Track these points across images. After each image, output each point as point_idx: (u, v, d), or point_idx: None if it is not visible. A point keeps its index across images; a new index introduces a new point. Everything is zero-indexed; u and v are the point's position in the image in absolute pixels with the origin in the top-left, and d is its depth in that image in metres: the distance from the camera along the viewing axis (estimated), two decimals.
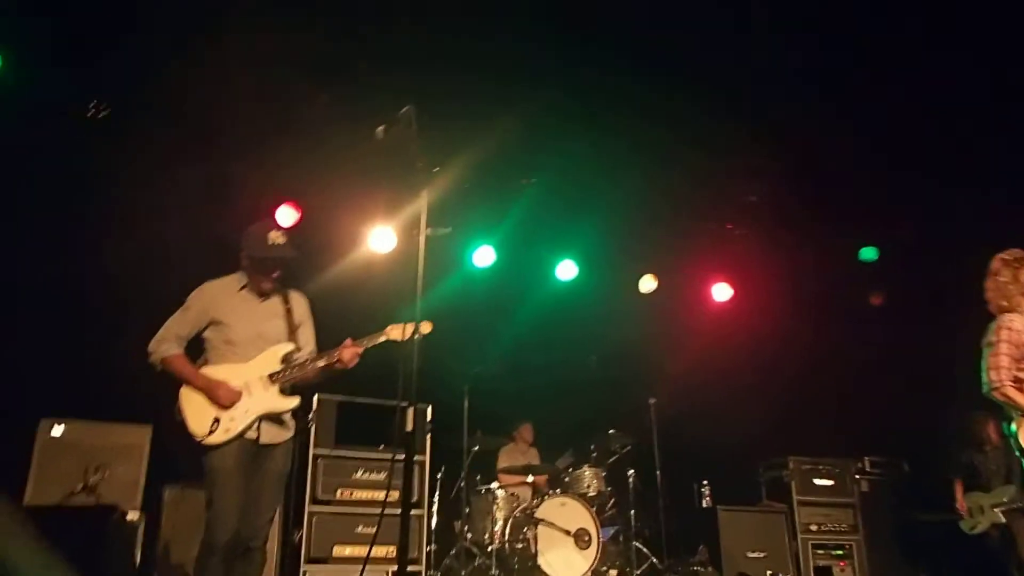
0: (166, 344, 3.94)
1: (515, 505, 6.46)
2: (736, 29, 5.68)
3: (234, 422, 3.80)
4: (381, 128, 3.27)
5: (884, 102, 6.18)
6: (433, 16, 5.28)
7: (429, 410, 6.59)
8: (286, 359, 4.01)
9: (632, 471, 6.87)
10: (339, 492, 6.19)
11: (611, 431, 7.05)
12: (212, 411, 3.80)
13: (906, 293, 7.98)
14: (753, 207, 7.96)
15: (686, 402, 7.30)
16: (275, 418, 3.97)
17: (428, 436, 6.55)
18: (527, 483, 7.04)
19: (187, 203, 6.30)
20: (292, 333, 4.10)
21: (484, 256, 7.83)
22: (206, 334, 4.01)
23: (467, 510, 6.49)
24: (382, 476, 6.23)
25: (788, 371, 7.99)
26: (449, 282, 7.17)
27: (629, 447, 7.03)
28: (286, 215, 6.88)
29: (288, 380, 3.97)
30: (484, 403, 6.79)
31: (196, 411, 3.81)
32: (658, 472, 6.73)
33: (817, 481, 7.71)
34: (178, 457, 5.40)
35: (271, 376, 3.93)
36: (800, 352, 8.02)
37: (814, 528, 7.54)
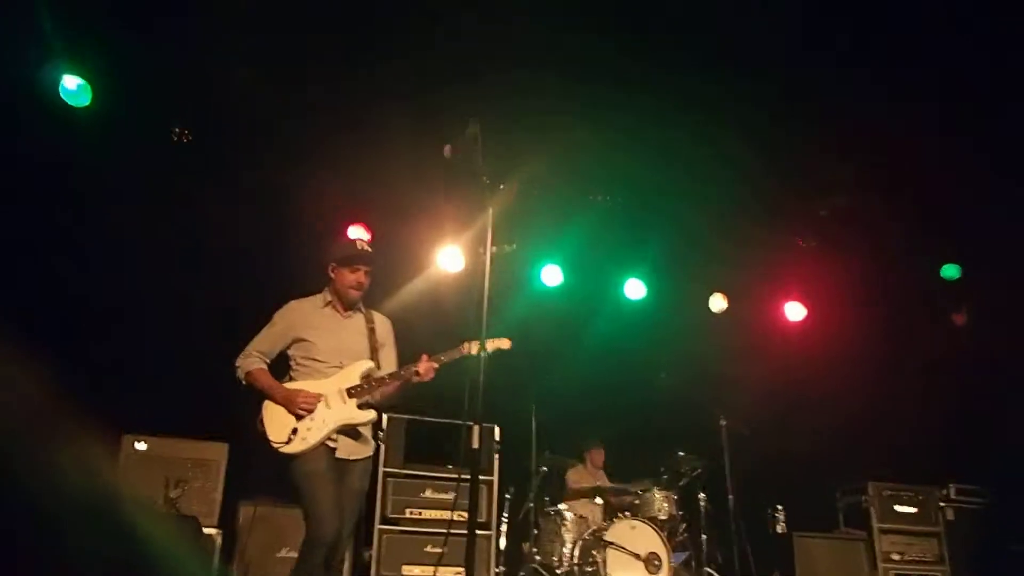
0: (251, 359, 4.10)
1: (584, 527, 6.39)
2: (812, 39, 5.57)
3: (311, 432, 3.90)
4: (448, 146, 3.32)
5: (963, 111, 5.98)
6: (499, 33, 5.33)
7: (497, 430, 6.60)
8: (365, 376, 4.10)
9: (703, 494, 6.71)
10: (408, 511, 6.22)
11: (681, 453, 6.91)
12: (291, 422, 3.92)
13: (993, 310, 7.65)
14: (825, 223, 7.77)
15: (759, 424, 7.12)
16: (353, 433, 4.06)
17: (496, 456, 6.55)
18: (596, 505, 6.96)
19: (262, 224, 6.49)
20: (374, 352, 4.22)
21: (552, 275, 7.82)
22: (290, 351, 4.16)
23: (535, 531, 6.45)
24: (451, 495, 6.24)
25: (866, 392, 7.72)
26: (518, 301, 7.18)
27: (700, 469, 6.88)
28: (356, 235, 7.00)
29: (365, 395, 4.06)
30: (552, 423, 6.75)
31: (276, 422, 3.94)
32: (730, 496, 6.54)
33: (899, 508, 7.40)
34: (255, 475, 5.55)
35: (349, 390, 4.03)
36: (879, 373, 7.75)
37: (896, 557, 7.23)
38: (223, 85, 5.65)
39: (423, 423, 6.44)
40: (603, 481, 7.33)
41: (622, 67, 5.72)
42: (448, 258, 7.31)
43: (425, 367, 4.09)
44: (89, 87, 5.78)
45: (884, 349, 7.84)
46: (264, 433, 3.92)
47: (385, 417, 6.22)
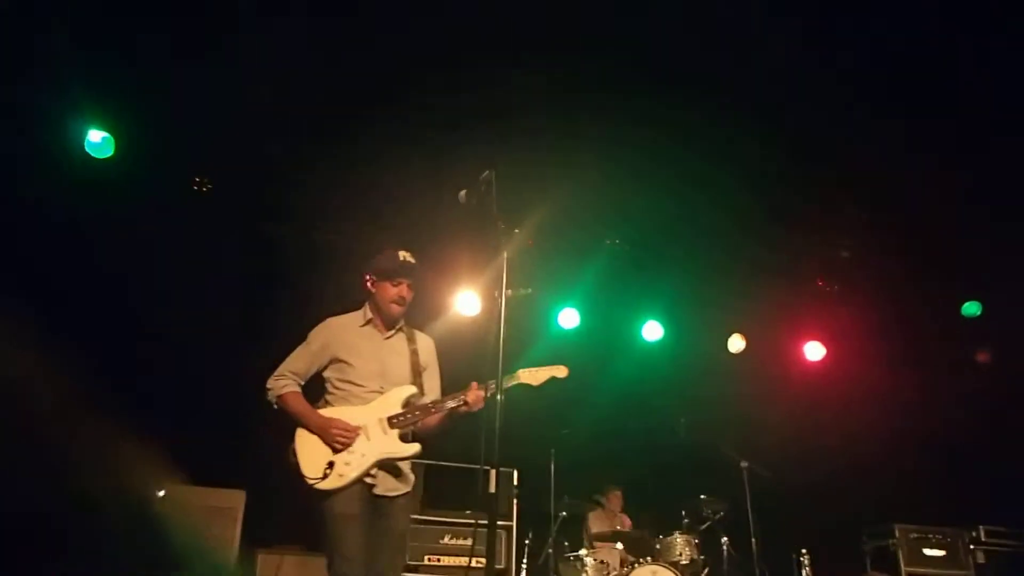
0: (283, 380, 3.74)
1: (605, 573, 6.30)
2: (827, 83, 5.63)
3: (349, 467, 3.53)
4: (463, 192, 3.32)
5: (982, 149, 5.99)
6: (511, 80, 5.41)
7: (515, 474, 6.55)
8: (407, 403, 3.73)
9: (726, 538, 6.61)
10: (427, 558, 6.16)
11: (702, 496, 6.83)
12: (326, 454, 3.56)
13: (1016, 348, 7.55)
14: (845, 262, 7.75)
15: (781, 466, 7.03)
16: (393, 468, 3.67)
17: (515, 501, 6.49)
18: (616, 550, 6.86)
19: (276, 272, 6.57)
20: (416, 376, 3.86)
21: (569, 318, 7.84)
22: (326, 373, 3.80)
23: None
24: (470, 541, 6.18)
25: (890, 433, 7.62)
26: (535, 345, 7.17)
27: (722, 513, 6.79)
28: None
29: (408, 425, 3.68)
30: (571, 467, 6.71)
31: (310, 453, 3.57)
32: (753, 540, 6.44)
33: (927, 551, 7.24)
34: (273, 522, 5.53)
35: (390, 420, 3.65)
36: (902, 412, 7.65)
37: None
38: (241, 136, 5.78)
39: (440, 467, 6.40)
40: (623, 525, 7.24)
41: (636, 111, 5.78)
42: (465, 303, 7.34)
43: (475, 396, 3.68)
44: (112, 140, 5.94)
45: (906, 388, 7.75)
46: (296, 465, 3.56)
47: None
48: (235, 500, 5.84)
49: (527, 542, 6.56)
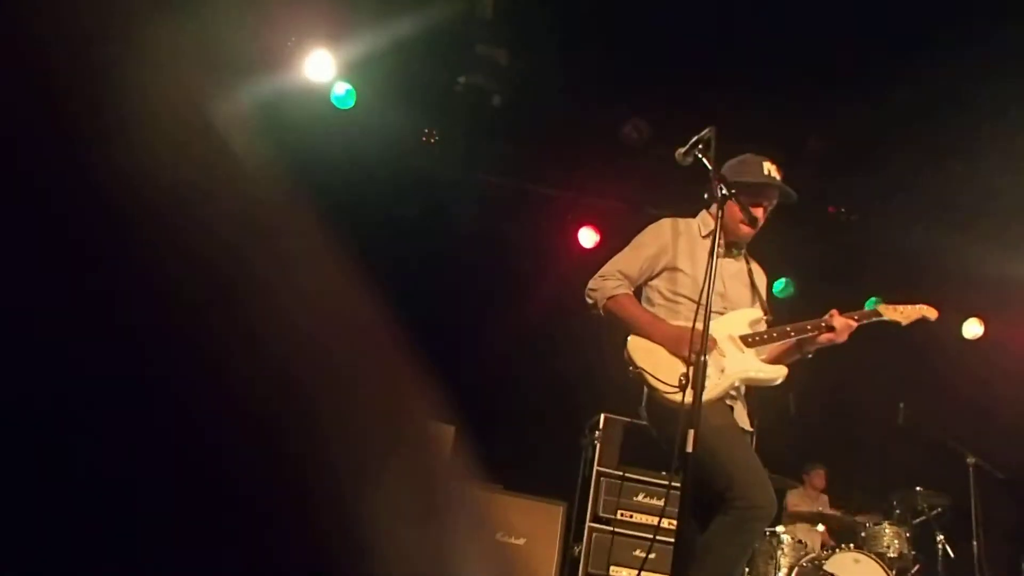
0: (612, 282, 3.25)
1: (802, 553, 6.07)
2: None
3: (710, 380, 2.96)
4: (680, 150, 3.24)
5: None
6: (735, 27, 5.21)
7: None
8: (755, 325, 3.29)
9: (942, 537, 6.14)
10: (619, 513, 6.22)
11: (918, 488, 6.37)
12: (678, 365, 3.03)
13: None
14: None
15: (1015, 468, 6.39)
16: (742, 398, 3.32)
17: None
18: (816, 531, 6.59)
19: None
20: (755, 302, 3.41)
21: (783, 287, 7.54)
22: (654, 282, 3.34)
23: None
24: (662, 502, 6.18)
25: None
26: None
27: (940, 509, 6.31)
28: (587, 237, 7.21)
29: (765, 344, 3.24)
30: (774, 442, 6.46)
31: (659, 363, 3.10)
32: (975, 543, 5.94)
33: None
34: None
35: (743, 339, 3.18)
36: None
37: None
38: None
39: (640, 426, 6.40)
40: (824, 507, 6.93)
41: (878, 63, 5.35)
42: None
43: (842, 323, 3.21)
44: (354, 92, 6.38)
45: None
46: (642, 374, 3.11)
47: (602, 416, 6.27)
48: (554, 516, 5.97)
49: None
